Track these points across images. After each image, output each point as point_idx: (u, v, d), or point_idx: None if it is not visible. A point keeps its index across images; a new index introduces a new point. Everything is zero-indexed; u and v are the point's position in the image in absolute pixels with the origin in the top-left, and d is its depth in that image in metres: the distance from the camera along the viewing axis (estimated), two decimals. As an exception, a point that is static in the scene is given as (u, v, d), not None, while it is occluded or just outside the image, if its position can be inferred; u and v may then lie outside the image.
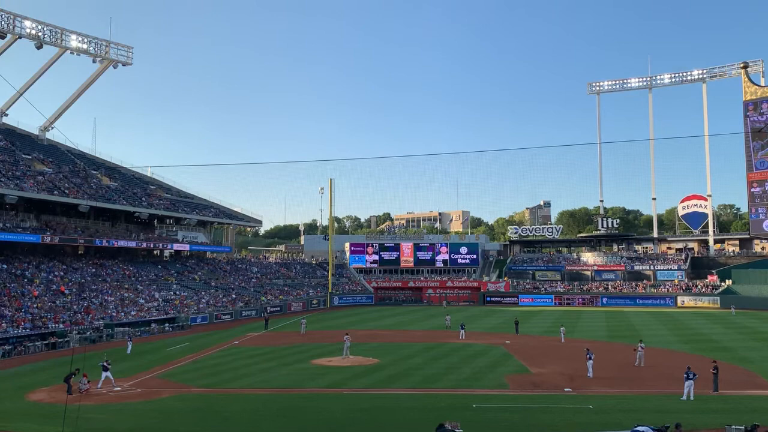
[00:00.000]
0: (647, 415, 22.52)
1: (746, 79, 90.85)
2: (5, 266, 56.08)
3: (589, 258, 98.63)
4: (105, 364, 30.74)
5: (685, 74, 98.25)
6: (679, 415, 20.90)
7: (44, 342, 45.16)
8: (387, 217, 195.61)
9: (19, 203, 59.16)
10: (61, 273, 60.06)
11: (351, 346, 40.08)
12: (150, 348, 45.38)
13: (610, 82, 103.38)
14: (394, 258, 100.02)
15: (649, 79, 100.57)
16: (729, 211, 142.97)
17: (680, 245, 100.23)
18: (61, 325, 48.42)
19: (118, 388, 30.18)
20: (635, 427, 3.53)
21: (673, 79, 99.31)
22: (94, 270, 64.36)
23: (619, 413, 23.96)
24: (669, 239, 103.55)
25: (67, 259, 64.26)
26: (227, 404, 27.27)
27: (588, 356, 32.74)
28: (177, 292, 67.41)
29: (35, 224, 61.74)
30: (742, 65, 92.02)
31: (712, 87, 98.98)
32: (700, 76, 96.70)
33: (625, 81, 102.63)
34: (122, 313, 55.87)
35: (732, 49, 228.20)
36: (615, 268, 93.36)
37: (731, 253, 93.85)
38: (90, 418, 23.23)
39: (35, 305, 50.35)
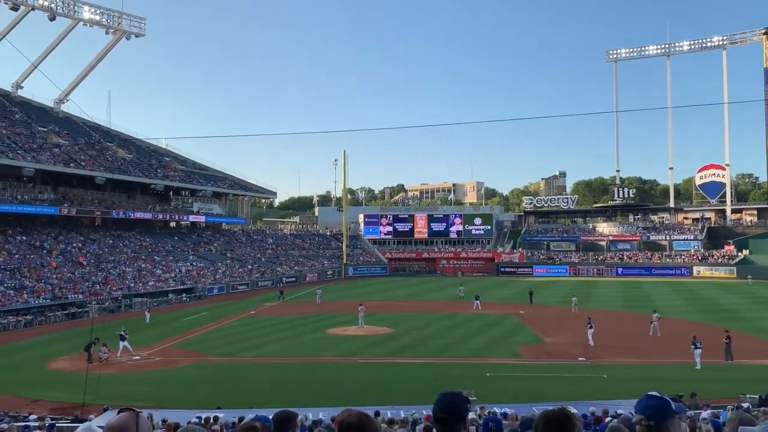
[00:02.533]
0: (661, 384, 22.56)
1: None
2: (24, 238, 56.89)
3: (605, 228, 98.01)
4: (122, 333, 31.34)
5: (704, 41, 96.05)
6: (693, 384, 20.94)
7: (64, 312, 46.01)
8: (401, 188, 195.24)
9: (36, 175, 59.79)
10: (79, 244, 60.82)
11: (365, 316, 40.38)
12: (168, 318, 46.03)
13: (627, 50, 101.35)
14: (408, 229, 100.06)
15: (667, 46, 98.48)
16: (747, 180, 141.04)
17: (697, 215, 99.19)
18: (80, 296, 49.24)
19: (137, 357, 30.75)
20: (650, 393, 3.48)
21: (693, 46, 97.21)
22: (111, 241, 65.11)
23: (633, 382, 24.03)
24: (686, 209, 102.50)
25: (84, 231, 65.01)
26: (244, 372, 27.71)
27: (589, 325, 32.89)
28: (194, 263, 68.11)
29: (52, 196, 62.37)
30: (763, 31, 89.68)
31: (732, 53, 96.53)
32: (720, 43, 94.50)
33: (643, 48, 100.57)
34: (140, 284, 56.64)
35: (754, 14, 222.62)
36: (630, 238, 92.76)
37: (749, 223, 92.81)
38: (110, 386, 23.72)
39: (55, 276, 51.15)
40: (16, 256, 52.50)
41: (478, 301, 49.11)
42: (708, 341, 28.49)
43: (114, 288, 53.45)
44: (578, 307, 46.26)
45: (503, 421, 12.90)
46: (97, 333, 27.62)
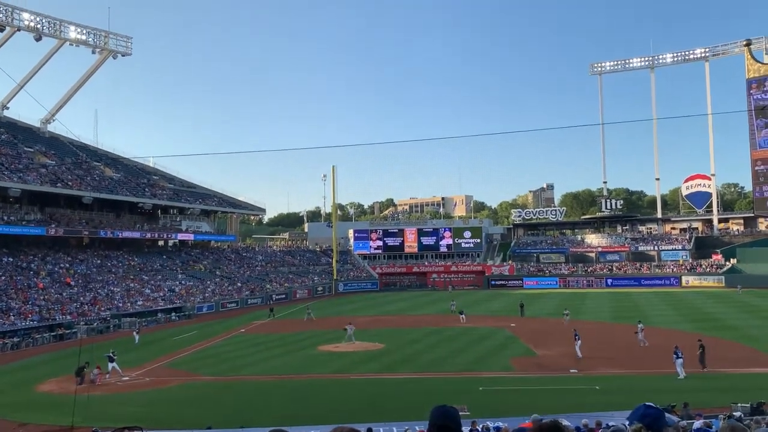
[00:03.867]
0: (653, 394, 22.56)
1: (749, 56, 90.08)
2: (11, 259, 56.32)
3: (593, 240, 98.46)
4: (111, 355, 31.09)
5: (687, 53, 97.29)
6: (685, 394, 20.97)
7: (52, 333, 45.45)
8: (390, 203, 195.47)
9: (22, 196, 59.39)
10: (67, 265, 60.30)
11: (356, 332, 40.14)
12: (157, 337, 45.61)
13: (612, 63, 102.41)
14: (398, 244, 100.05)
15: (651, 59, 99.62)
16: (733, 190, 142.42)
17: (684, 225, 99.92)
18: (68, 317, 48.72)
19: (127, 378, 30.43)
20: (647, 403, 3.49)
21: (676, 59, 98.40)
22: (99, 261, 64.61)
23: (626, 394, 24.05)
24: (673, 219, 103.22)
25: (72, 251, 64.48)
26: (235, 391, 27.47)
27: (576, 338, 32.98)
28: (183, 282, 67.67)
29: (39, 217, 61.90)
30: (745, 43, 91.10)
31: (715, 65, 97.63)
32: (703, 55, 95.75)
33: (627, 61, 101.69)
34: (129, 304, 56.16)
35: (735, 26, 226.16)
36: (619, 249, 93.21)
37: (735, 232, 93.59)
38: (99, 408, 23.44)
39: (42, 297, 50.62)
40: (3, 277, 51.92)
41: (462, 316, 49.27)
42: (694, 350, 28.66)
43: (102, 308, 52.95)
44: (570, 319, 46.11)
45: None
46: (85, 354, 27.28)
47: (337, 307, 65.29)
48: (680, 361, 27.16)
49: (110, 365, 30.70)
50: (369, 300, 73.37)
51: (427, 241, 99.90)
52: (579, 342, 32.63)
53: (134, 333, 43.97)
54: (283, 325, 51.04)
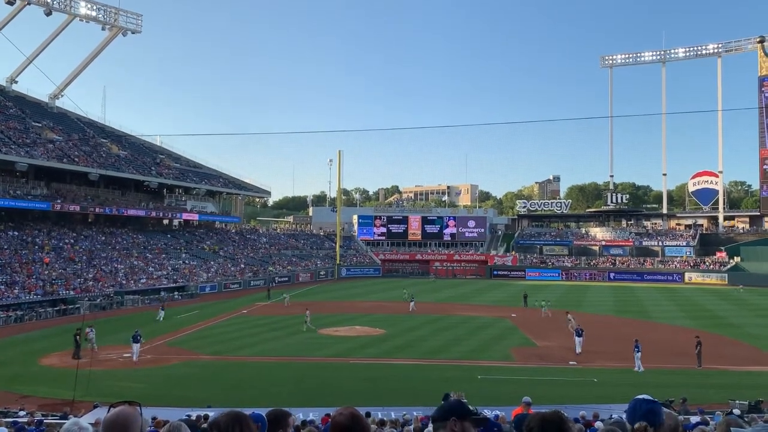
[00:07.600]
0: (651, 389, 22.64)
1: (762, 53, 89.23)
2: (16, 233, 56.58)
3: (598, 233, 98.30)
4: (137, 335, 31.13)
5: (699, 48, 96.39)
6: (684, 389, 21.03)
7: (55, 308, 45.77)
8: (395, 189, 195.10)
9: (29, 171, 59.51)
10: (71, 241, 60.53)
11: (357, 317, 40.28)
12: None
13: (623, 56, 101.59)
14: (401, 231, 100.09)
15: (663, 53, 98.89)
16: (740, 188, 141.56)
17: (689, 221, 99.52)
18: (72, 292, 49.02)
19: (128, 355, 30.54)
20: (643, 397, 3.47)
21: (688, 53, 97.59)
22: (103, 238, 64.83)
23: (624, 387, 24.10)
24: (678, 215, 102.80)
25: (77, 227, 64.70)
26: (235, 371, 27.67)
27: (577, 333, 32.98)
28: (186, 261, 67.90)
29: (45, 192, 62.05)
30: (758, 39, 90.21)
31: (727, 61, 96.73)
32: (716, 51, 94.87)
33: (638, 54, 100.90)
34: (132, 281, 56.42)
35: (748, 23, 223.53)
36: (623, 243, 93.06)
37: (741, 230, 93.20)
38: (101, 383, 23.63)
39: (46, 272, 50.90)
40: (8, 251, 52.22)
41: (412, 303, 49.67)
42: (693, 346, 28.67)
43: (106, 285, 53.23)
44: (548, 308, 46.47)
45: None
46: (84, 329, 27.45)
47: (338, 292, 65.42)
48: (638, 354, 27.70)
49: (134, 345, 30.34)
50: (371, 286, 73.43)
51: (431, 229, 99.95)
52: (580, 339, 32.42)
53: (159, 309, 44.39)
54: (285, 308, 51.18)
